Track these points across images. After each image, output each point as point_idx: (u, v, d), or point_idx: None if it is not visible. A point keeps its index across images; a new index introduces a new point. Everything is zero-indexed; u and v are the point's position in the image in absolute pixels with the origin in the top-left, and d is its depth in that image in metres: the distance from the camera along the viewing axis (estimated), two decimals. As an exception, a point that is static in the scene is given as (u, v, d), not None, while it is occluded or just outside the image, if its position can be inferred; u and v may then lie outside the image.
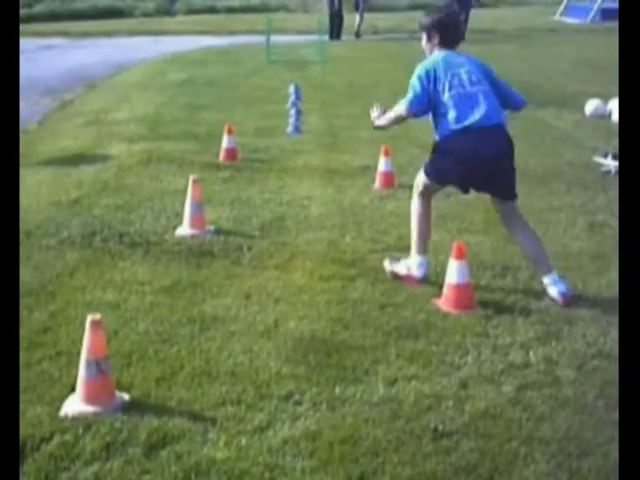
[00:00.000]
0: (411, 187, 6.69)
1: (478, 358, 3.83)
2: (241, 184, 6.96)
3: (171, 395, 3.48)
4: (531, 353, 3.87)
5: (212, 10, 31.76)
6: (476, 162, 4.40)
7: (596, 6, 25.65)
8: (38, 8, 29.77)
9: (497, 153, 4.46)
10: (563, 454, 3.06)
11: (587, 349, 3.91)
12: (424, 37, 4.69)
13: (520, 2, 34.96)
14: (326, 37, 17.92)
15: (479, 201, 6.37)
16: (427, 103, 4.47)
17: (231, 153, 7.81)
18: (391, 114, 4.74)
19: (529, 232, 4.63)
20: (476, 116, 4.38)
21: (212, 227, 5.73)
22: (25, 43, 20.03)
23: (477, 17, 21.59)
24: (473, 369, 3.73)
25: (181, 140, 8.79)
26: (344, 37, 21.24)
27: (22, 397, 3.42)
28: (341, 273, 4.87)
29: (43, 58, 17.98)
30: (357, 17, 21.62)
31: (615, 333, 3.97)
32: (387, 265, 4.83)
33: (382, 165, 6.83)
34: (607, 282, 4.70)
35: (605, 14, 24.56)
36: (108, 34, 23.82)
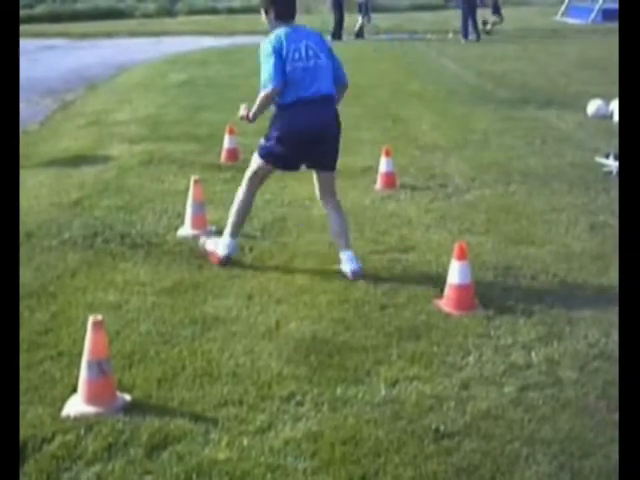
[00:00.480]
0: (412, 188, 6.75)
1: (480, 359, 3.82)
2: (242, 185, 6.95)
3: (172, 396, 3.48)
4: (533, 354, 3.86)
5: (213, 11, 31.81)
6: (306, 131, 4.70)
7: (597, 7, 25.66)
8: (39, 9, 29.83)
9: (325, 122, 4.78)
10: (565, 455, 3.06)
11: (589, 350, 3.91)
12: (262, 13, 4.89)
13: (522, 2, 34.99)
14: (328, 38, 18.00)
15: (480, 202, 6.39)
16: (284, 71, 4.63)
17: (232, 154, 7.81)
18: (261, 99, 4.74)
19: (338, 209, 5.02)
20: (312, 88, 4.68)
21: (213, 228, 5.73)
22: (26, 44, 20.06)
23: (478, 17, 21.57)
24: (475, 370, 3.72)
25: (182, 141, 8.79)
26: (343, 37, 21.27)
27: (23, 398, 3.42)
28: (342, 274, 4.87)
29: (44, 59, 18.00)
30: (360, 19, 21.72)
31: (617, 334, 3.97)
32: (201, 241, 5.21)
33: (383, 166, 6.82)
34: (609, 282, 4.69)
35: (606, 15, 24.58)
36: (109, 35, 23.85)
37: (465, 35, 20.97)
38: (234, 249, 5.05)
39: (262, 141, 4.91)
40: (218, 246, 5.02)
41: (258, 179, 5.02)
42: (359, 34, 21.89)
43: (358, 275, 4.79)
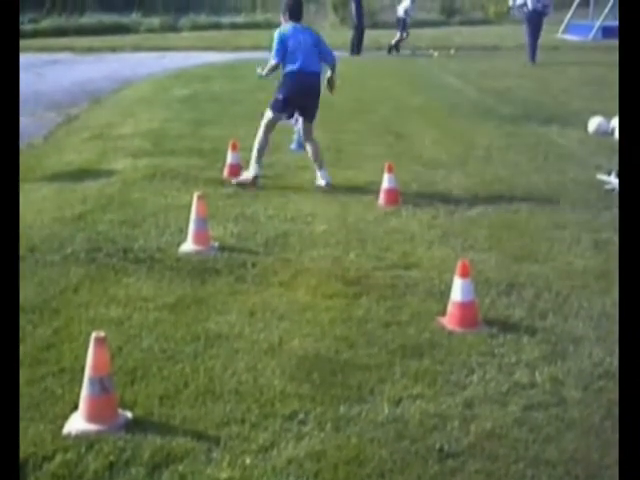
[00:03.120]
0: (415, 204, 6.74)
1: (483, 377, 3.80)
2: (245, 200, 6.96)
3: (175, 414, 3.46)
4: (537, 373, 3.84)
5: (216, 26, 31.92)
6: (298, 92, 7.29)
7: (597, 24, 25.76)
8: (45, 23, 29.96)
9: (310, 89, 7.31)
10: (570, 476, 3.03)
11: (593, 369, 3.88)
12: (282, 14, 7.51)
13: (523, 20, 35.08)
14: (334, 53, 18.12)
15: (483, 218, 6.39)
16: (283, 54, 7.22)
17: (235, 169, 7.81)
18: (268, 65, 7.36)
19: (314, 141, 7.52)
20: (302, 65, 7.18)
21: (216, 243, 5.72)
22: (31, 58, 20.15)
23: (481, 34, 21.61)
24: (478, 389, 3.70)
25: (185, 156, 8.80)
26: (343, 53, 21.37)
27: (24, 415, 3.40)
28: (345, 290, 4.86)
29: (49, 73, 18.06)
30: (398, 33, 22.09)
31: (621, 353, 3.94)
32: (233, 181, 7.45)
33: (386, 182, 6.82)
34: (612, 301, 4.67)
35: (605, 32, 24.66)
36: (113, 49, 23.95)
37: (532, 56, 18.75)
38: (259, 170, 7.44)
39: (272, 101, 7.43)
40: (250, 174, 7.37)
41: (271, 126, 7.48)
42: (395, 48, 22.09)
43: (329, 186, 7.18)
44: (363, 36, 21.97)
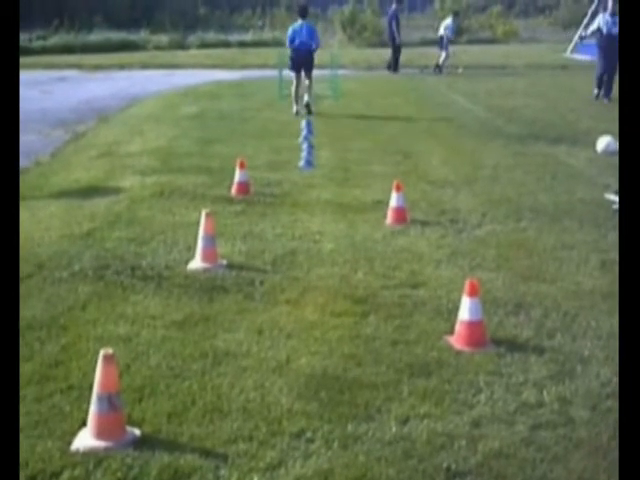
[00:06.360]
0: (423, 223, 6.76)
1: (491, 397, 3.80)
2: (253, 218, 6.98)
3: (182, 431, 3.47)
4: (544, 392, 3.84)
5: (225, 44, 32.13)
6: (298, 58, 13.55)
7: (606, 43, 25.80)
8: (52, 40, 30.19)
9: (306, 56, 13.51)
10: (578, 497, 3.03)
11: (601, 389, 3.88)
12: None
13: (531, 39, 35.25)
14: (339, 72, 18.09)
15: (491, 238, 6.39)
16: (292, 39, 13.64)
17: (243, 187, 7.84)
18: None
19: (310, 86, 13.62)
20: (301, 43, 13.43)
21: (224, 261, 5.74)
22: (39, 75, 20.32)
23: (488, 53, 21.66)
24: (486, 408, 3.70)
25: (193, 173, 8.84)
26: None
27: (33, 431, 3.42)
28: (353, 309, 4.86)
29: (56, 90, 18.18)
30: (443, 53, 22.03)
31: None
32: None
33: (394, 201, 6.84)
34: (620, 321, 4.67)
35: (615, 51, 24.69)
36: (121, 67, 24.11)
37: (608, 90, 15.42)
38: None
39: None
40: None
41: (296, 78, 13.64)
42: (439, 68, 22.09)
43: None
44: (400, 54, 22.12)
